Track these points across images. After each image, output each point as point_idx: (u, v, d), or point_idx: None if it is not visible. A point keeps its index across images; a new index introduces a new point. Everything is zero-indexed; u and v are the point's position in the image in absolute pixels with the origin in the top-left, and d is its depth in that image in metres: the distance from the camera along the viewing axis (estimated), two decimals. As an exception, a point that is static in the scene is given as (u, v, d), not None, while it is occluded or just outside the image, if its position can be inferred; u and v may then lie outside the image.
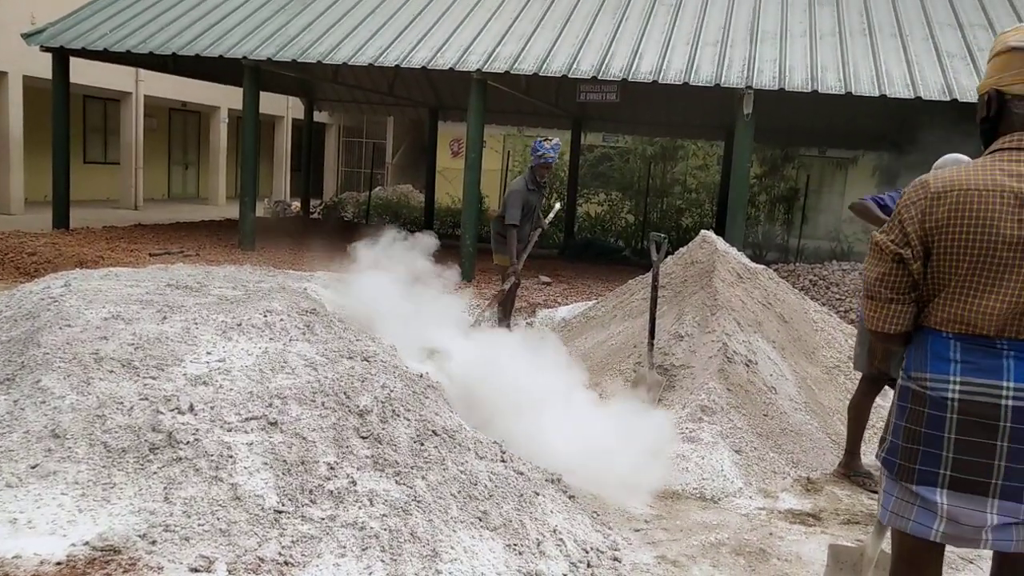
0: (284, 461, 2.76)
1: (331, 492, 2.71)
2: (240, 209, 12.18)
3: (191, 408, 2.90)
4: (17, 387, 2.98)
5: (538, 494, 3.13)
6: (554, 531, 2.98)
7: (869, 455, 4.21)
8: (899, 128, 13.30)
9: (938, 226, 1.97)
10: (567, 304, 8.67)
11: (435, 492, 2.85)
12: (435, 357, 4.32)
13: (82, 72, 13.60)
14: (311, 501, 2.66)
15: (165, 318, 3.49)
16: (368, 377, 3.24)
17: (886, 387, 4.27)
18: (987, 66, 2.12)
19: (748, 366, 4.74)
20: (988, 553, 2.66)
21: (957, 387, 1.95)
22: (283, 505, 2.62)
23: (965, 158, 3.64)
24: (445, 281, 5.25)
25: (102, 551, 2.37)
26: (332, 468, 2.79)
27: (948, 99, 9.28)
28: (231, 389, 3.04)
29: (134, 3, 12.92)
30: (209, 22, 12.24)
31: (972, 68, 9.87)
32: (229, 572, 2.37)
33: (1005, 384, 1.91)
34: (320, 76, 14.92)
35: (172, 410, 2.89)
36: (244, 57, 11.33)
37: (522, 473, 3.20)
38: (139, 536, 2.43)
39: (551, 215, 7.44)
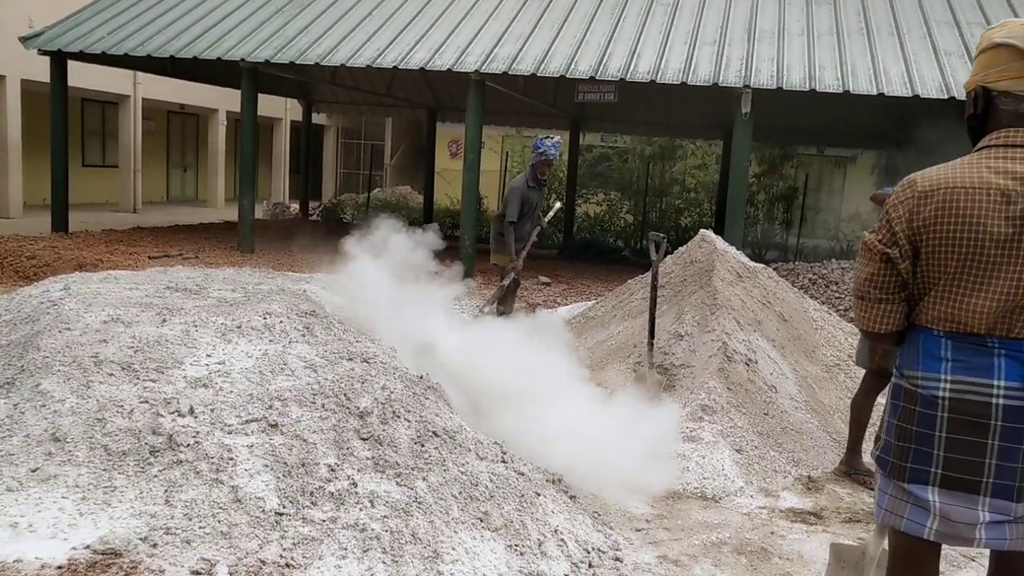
0: (285, 463, 2.76)
1: (332, 494, 2.71)
2: (239, 211, 12.19)
3: (191, 411, 2.90)
4: (17, 391, 2.98)
5: (539, 494, 3.13)
6: (555, 531, 2.97)
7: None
8: (897, 126, 13.31)
9: (926, 225, 1.97)
10: (566, 304, 8.67)
11: (436, 493, 2.84)
12: (429, 352, 4.30)
13: (80, 75, 13.60)
14: (312, 503, 2.66)
15: (165, 321, 3.48)
16: (368, 378, 3.24)
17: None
18: (974, 63, 2.12)
19: (748, 365, 4.74)
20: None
21: (948, 385, 1.95)
22: (284, 507, 2.62)
23: None
24: (445, 276, 5.22)
25: (103, 554, 2.37)
26: (333, 470, 2.79)
27: (946, 97, 9.29)
28: (231, 391, 3.03)
29: (132, 6, 12.92)
30: (207, 24, 12.24)
31: (970, 66, 9.84)
32: (230, 574, 2.37)
33: (996, 383, 1.91)
34: (318, 78, 14.92)
35: (172, 413, 2.89)
36: (242, 59, 11.33)
37: (523, 474, 3.20)
38: (140, 539, 2.43)
39: (551, 214, 7.45)
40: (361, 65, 11.06)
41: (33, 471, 2.65)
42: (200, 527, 2.50)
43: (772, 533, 3.49)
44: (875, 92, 9.55)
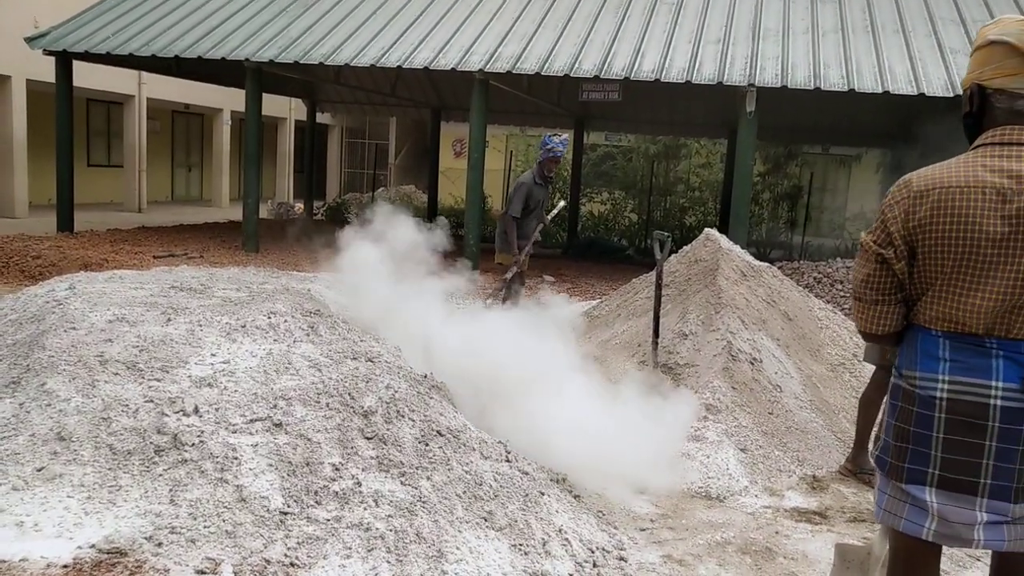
0: (289, 462, 2.76)
1: (336, 493, 2.71)
2: (243, 211, 12.21)
3: (196, 410, 2.91)
4: (23, 390, 2.99)
5: (543, 494, 3.12)
6: (560, 531, 2.97)
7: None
8: (903, 125, 13.27)
9: (921, 225, 1.95)
10: (571, 303, 8.65)
11: (440, 492, 2.84)
12: (434, 345, 4.27)
13: (85, 75, 13.64)
14: (316, 502, 2.66)
15: (169, 320, 3.49)
16: (372, 378, 3.24)
17: None
18: (969, 60, 2.10)
19: (753, 364, 4.73)
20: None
21: (946, 386, 1.93)
22: (288, 506, 2.62)
23: None
24: (450, 272, 5.20)
25: (108, 553, 2.37)
26: (337, 469, 2.79)
27: (952, 95, 9.25)
28: (236, 391, 3.04)
29: (136, 6, 12.95)
30: (211, 24, 12.26)
31: (975, 64, 9.83)
32: (235, 574, 2.37)
33: (994, 384, 1.89)
34: (322, 77, 14.93)
35: (177, 412, 2.89)
36: (247, 59, 11.35)
37: (527, 473, 3.20)
38: (145, 538, 2.44)
39: (554, 212, 7.48)
40: (365, 64, 11.07)
41: (39, 470, 2.65)
42: (205, 526, 2.50)
43: (777, 533, 3.48)
44: (880, 90, 9.52)
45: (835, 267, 10.09)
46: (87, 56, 12.21)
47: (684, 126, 17.40)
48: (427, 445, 3.02)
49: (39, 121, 15.04)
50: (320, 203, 21.06)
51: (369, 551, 2.55)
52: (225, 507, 2.57)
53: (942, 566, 3.15)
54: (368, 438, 2.95)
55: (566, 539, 2.95)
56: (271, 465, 2.74)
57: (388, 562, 2.53)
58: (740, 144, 10.43)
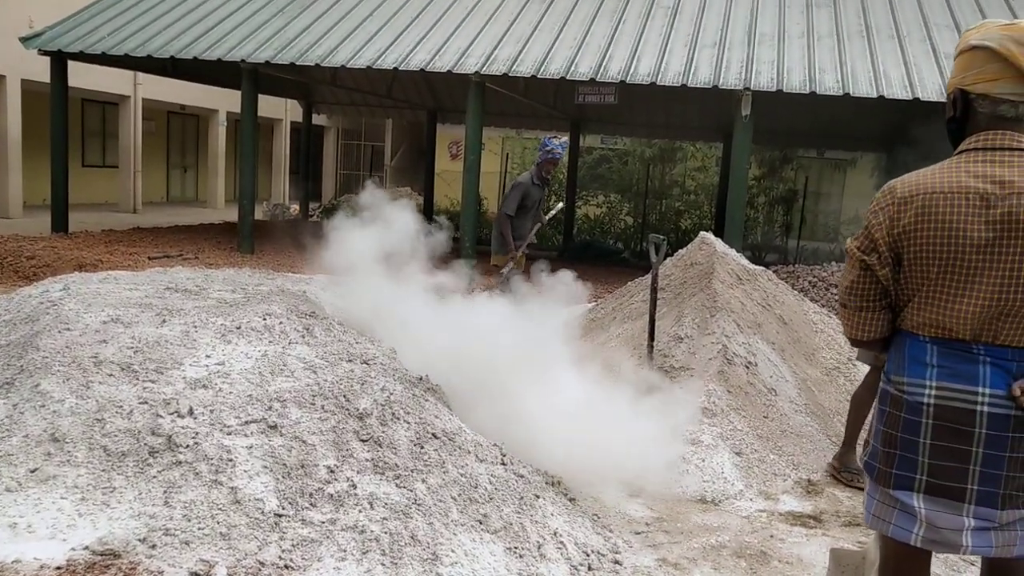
0: (284, 464, 2.75)
1: (331, 495, 2.70)
2: (239, 212, 12.19)
3: (191, 411, 2.90)
4: (16, 391, 2.98)
5: (538, 497, 3.12)
6: (555, 534, 2.97)
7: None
8: (897, 129, 13.31)
9: (906, 231, 1.95)
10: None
11: (435, 495, 2.84)
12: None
13: (80, 76, 13.61)
14: (311, 504, 2.66)
15: (164, 321, 3.48)
16: (368, 380, 3.24)
17: None
18: (952, 65, 2.10)
19: (748, 368, 4.74)
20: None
21: (933, 392, 1.93)
22: (283, 509, 2.61)
23: None
24: (446, 272, 5.15)
25: (102, 555, 2.36)
26: (332, 471, 2.79)
27: (946, 100, 9.28)
28: (230, 392, 3.03)
29: (132, 6, 12.92)
30: (207, 25, 12.24)
31: (970, 69, 9.87)
32: (229, 576, 2.37)
33: (981, 390, 1.89)
34: (318, 79, 14.93)
35: (172, 414, 2.88)
36: (242, 60, 11.33)
37: (522, 476, 3.19)
38: (139, 540, 2.43)
39: (552, 213, 7.53)
40: (361, 66, 11.07)
41: (32, 471, 2.64)
42: (199, 528, 2.50)
43: (772, 536, 3.49)
44: (875, 95, 9.56)
45: (830, 271, 10.11)
46: (82, 56, 12.18)
47: (680, 129, 17.44)
48: (422, 448, 3.02)
49: (34, 121, 15.00)
50: (316, 205, 21.03)
51: (364, 553, 2.54)
52: (219, 509, 2.57)
53: (938, 571, 3.16)
54: (363, 440, 2.95)
55: (561, 542, 2.95)
56: (266, 467, 2.73)
57: (383, 564, 2.53)
58: (736, 148, 10.46)
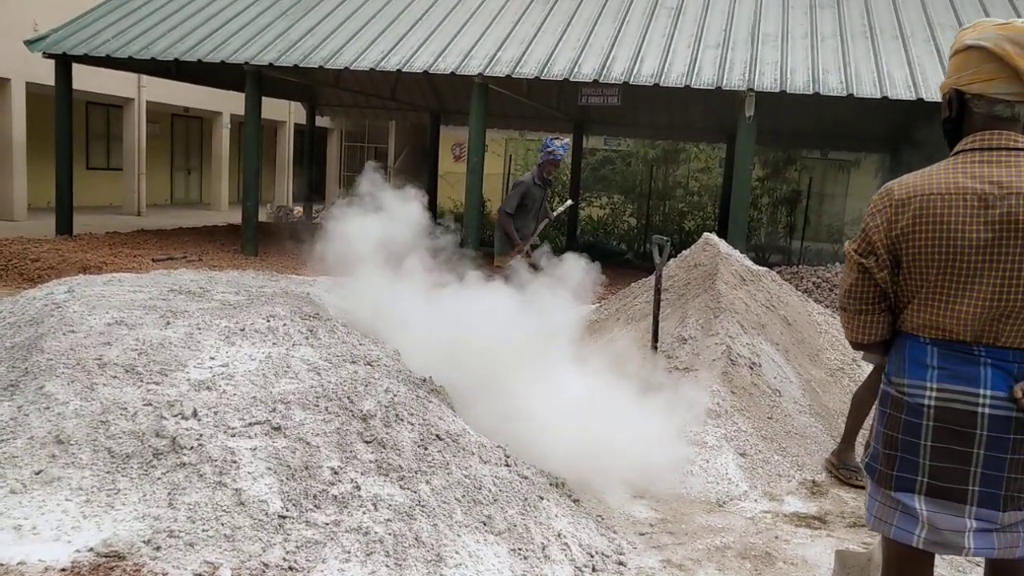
0: (288, 466, 2.76)
1: (335, 497, 2.70)
2: (242, 214, 12.20)
3: (195, 413, 2.90)
4: (21, 393, 2.98)
5: (542, 498, 3.12)
6: (559, 535, 2.97)
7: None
8: (901, 130, 13.29)
9: (904, 234, 1.94)
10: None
11: (439, 497, 2.84)
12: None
13: (85, 78, 13.64)
14: (315, 506, 2.66)
15: (168, 323, 3.49)
16: (371, 381, 3.24)
17: None
18: (948, 65, 2.08)
19: (752, 369, 4.73)
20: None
21: (934, 393, 1.92)
22: (287, 510, 2.61)
23: None
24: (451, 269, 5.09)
25: (106, 557, 2.37)
26: (336, 473, 2.79)
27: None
28: (234, 394, 3.03)
29: (136, 9, 12.96)
30: (211, 28, 12.27)
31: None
32: (233, 578, 2.37)
33: (982, 392, 1.88)
34: (322, 81, 14.95)
35: (176, 415, 2.89)
36: (246, 62, 11.36)
37: (526, 477, 3.19)
38: (143, 542, 2.43)
39: (562, 208, 7.57)
40: (365, 68, 11.08)
41: (37, 473, 2.65)
42: (203, 530, 2.50)
43: (776, 538, 3.48)
44: (879, 96, 9.54)
45: (834, 272, 10.10)
46: (87, 59, 12.21)
47: (683, 130, 17.43)
48: (426, 449, 3.02)
49: (38, 124, 15.04)
50: (319, 206, 21.05)
51: (368, 555, 2.54)
52: (223, 511, 2.57)
53: (943, 571, 3.15)
54: (367, 442, 2.95)
55: (565, 544, 2.94)
56: (270, 469, 2.73)
57: (387, 566, 2.53)
58: (739, 149, 10.44)
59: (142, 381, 3.06)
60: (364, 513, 2.67)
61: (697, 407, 4.38)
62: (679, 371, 4.89)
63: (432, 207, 18.12)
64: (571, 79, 10.44)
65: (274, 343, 3.42)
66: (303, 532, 2.55)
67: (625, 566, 3.01)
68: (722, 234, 8.12)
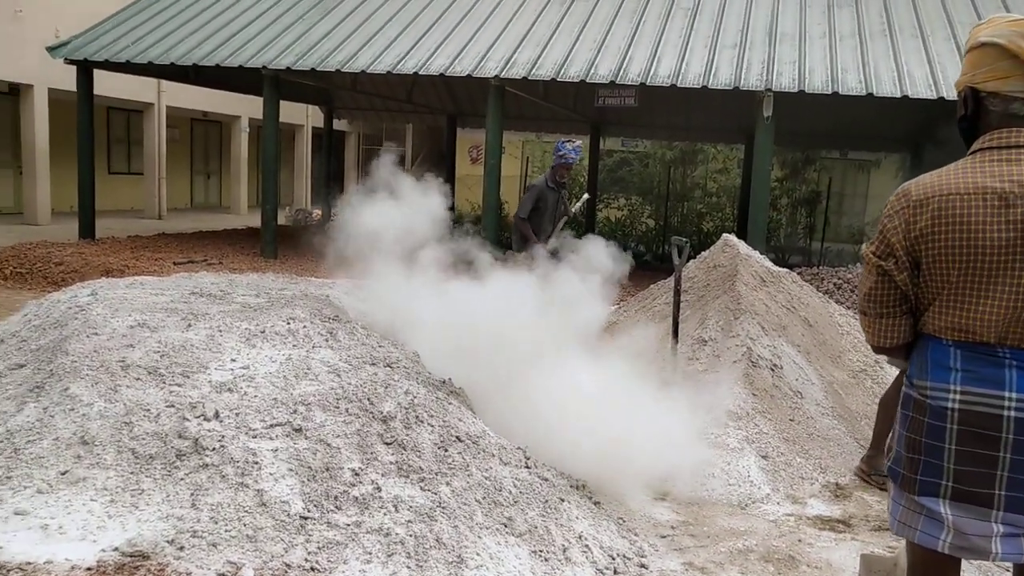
0: (309, 467, 2.76)
1: (356, 498, 2.71)
2: (262, 217, 12.29)
3: (216, 415, 2.92)
4: (47, 395, 3.01)
5: (563, 500, 3.11)
6: (580, 537, 2.96)
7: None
8: (922, 129, 13.15)
9: (923, 235, 1.90)
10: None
11: (460, 498, 2.84)
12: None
13: (106, 84, 13.80)
14: (336, 507, 2.66)
15: (190, 326, 3.51)
16: (391, 383, 3.24)
17: None
18: (962, 62, 2.03)
19: (773, 371, 4.70)
20: None
21: (957, 396, 1.88)
22: (309, 511, 2.62)
23: None
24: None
25: (131, 557, 2.38)
26: (357, 474, 2.79)
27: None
28: (255, 396, 3.05)
29: (155, 15, 13.10)
30: (229, 32, 12.37)
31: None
32: (256, 578, 2.38)
33: (1007, 395, 1.84)
34: (339, 84, 15.03)
35: (198, 417, 2.91)
36: (264, 67, 11.44)
37: (547, 479, 3.18)
38: (167, 542, 2.45)
39: (578, 204, 7.57)
40: (382, 71, 11.13)
41: (63, 474, 2.67)
42: (226, 530, 2.51)
43: (799, 541, 3.45)
44: (899, 94, 9.45)
45: (855, 272, 10.00)
46: (107, 65, 12.35)
47: (701, 131, 17.35)
48: (446, 451, 3.02)
49: (61, 129, 15.23)
50: (338, 209, 21.13)
51: (389, 556, 2.54)
52: (246, 511, 2.58)
53: None
54: (387, 443, 2.95)
55: (586, 546, 2.93)
56: (291, 470, 2.74)
57: (408, 567, 2.53)
58: (757, 149, 10.38)
59: (164, 383, 3.08)
60: (385, 514, 2.67)
61: (718, 409, 4.35)
62: (699, 373, 4.86)
63: (451, 208, 18.16)
64: (588, 80, 10.42)
65: (294, 345, 3.44)
66: (324, 533, 2.56)
67: (647, 568, 2.99)
68: (741, 235, 8.08)
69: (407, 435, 3.01)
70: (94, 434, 2.81)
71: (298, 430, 2.90)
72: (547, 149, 20.47)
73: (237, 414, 2.94)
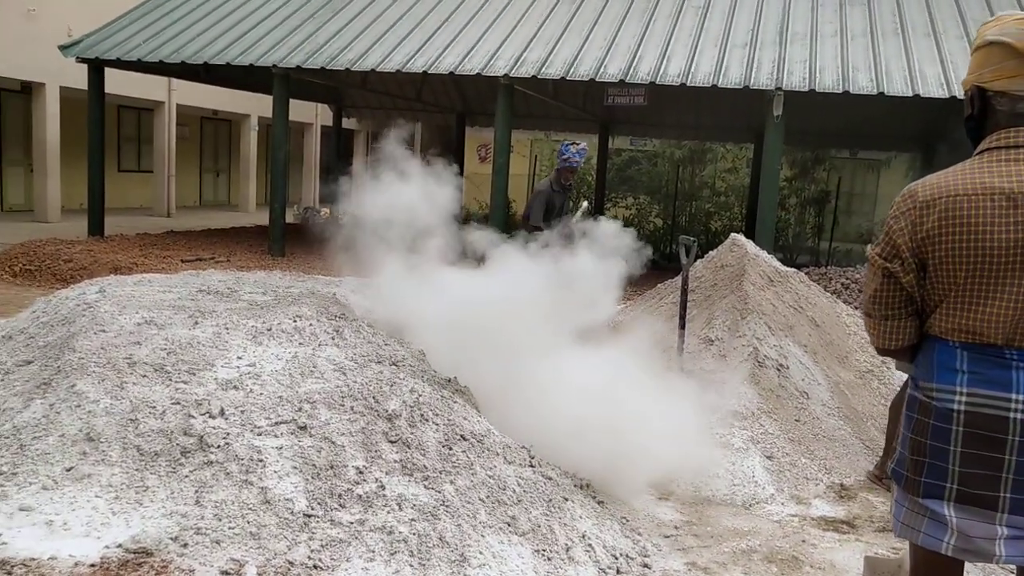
0: (313, 465, 2.77)
1: (360, 496, 2.71)
2: (270, 215, 12.33)
3: (222, 412, 2.93)
4: (53, 391, 3.03)
5: (567, 499, 3.11)
6: (583, 536, 2.95)
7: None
8: (933, 128, 13.07)
9: (930, 236, 1.88)
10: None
11: (463, 497, 2.84)
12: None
13: (117, 83, 13.88)
14: (340, 505, 2.67)
15: (197, 323, 3.53)
16: (396, 381, 3.25)
17: None
18: (969, 61, 2.01)
19: (779, 371, 4.68)
20: None
21: (963, 398, 1.87)
22: (312, 509, 2.63)
23: None
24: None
25: (135, 553, 2.40)
26: (361, 472, 2.80)
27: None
28: (261, 393, 3.06)
29: (166, 14, 13.16)
30: (240, 31, 12.42)
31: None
32: (259, 575, 2.38)
33: (1014, 397, 1.83)
34: (348, 83, 15.06)
35: (203, 414, 2.92)
36: (274, 65, 11.47)
37: (551, 478, 3.18)
38: (171, 539, 2.46)
39: (578, 213, 7.47)
40: (391, 70, 11.14)
41: (68, 470, 2.69)
42: (230, 527, 2.52)
43: (803, 541, 3.44)
44: (911, 94, 9.39)
45: (863, 273, 9.96)
46: (118, 63, 12.42)
47: (710, 130, 17.30)
48: (451, 449, 3.02)
49: (71, 127, 15.32)
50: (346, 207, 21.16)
51: (392, 554, 2.55)
52: (250, 509, 2.59)
53: (975, 578, 3.09)
54: (392, 442, 2.96)
55: (589, 545, 2.93)
56: (295, 467, 2.75)
57: (411, 566, 2.53)
58: (767, 148, 10.34)
59: (171, 380, 3.10)
60: (389, 513, 2.68)
61: (723, 409, 4.34)
62: (705, 372, 4.85)
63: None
64: (597, 79, 10.40)
65: (300, 343, 3.45)
66: (328, 531, 2.57)
67: (650, 568, 2.99)
68: (749, 235, 8.04)
69: (412, 433, 3.01)
70: (100, 431, 2.82)
71: (303, 428, 2.91)
72: (556, 148, 20.44)
73: (242, 411, 2.95)
